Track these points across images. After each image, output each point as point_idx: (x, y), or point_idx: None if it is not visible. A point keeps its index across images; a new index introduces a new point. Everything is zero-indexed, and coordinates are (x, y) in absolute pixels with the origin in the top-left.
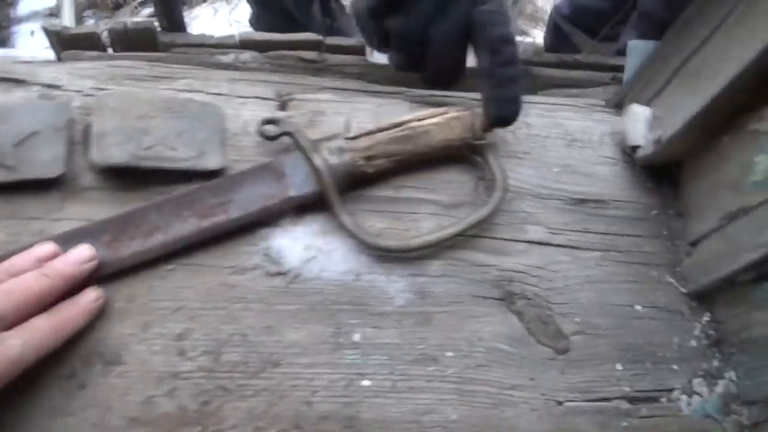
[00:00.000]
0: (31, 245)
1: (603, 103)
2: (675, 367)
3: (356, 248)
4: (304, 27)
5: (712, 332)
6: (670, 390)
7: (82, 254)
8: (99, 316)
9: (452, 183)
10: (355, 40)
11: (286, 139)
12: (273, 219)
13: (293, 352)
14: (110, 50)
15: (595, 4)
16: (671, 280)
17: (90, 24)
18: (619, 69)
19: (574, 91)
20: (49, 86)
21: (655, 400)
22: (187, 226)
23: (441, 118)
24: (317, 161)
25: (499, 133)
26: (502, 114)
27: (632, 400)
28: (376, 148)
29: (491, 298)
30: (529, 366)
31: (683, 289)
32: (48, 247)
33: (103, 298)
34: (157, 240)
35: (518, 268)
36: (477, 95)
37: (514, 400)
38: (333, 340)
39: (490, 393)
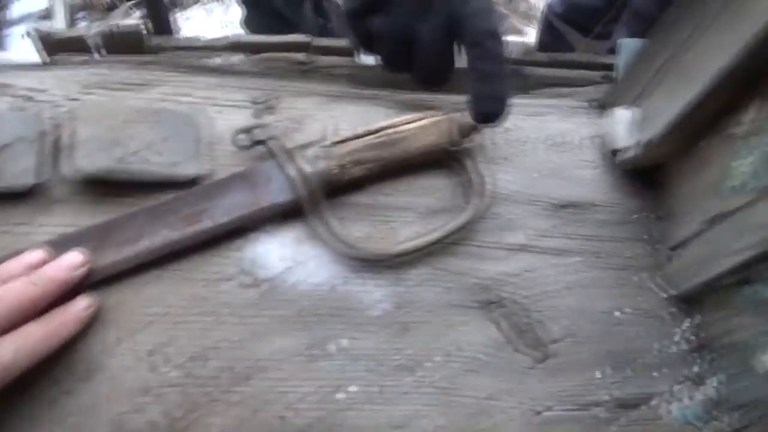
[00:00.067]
0: (21, 251)
1: (588, 104)
2: (656, 373)
3: (335, 257)
4: (296, 27)
5: (693, 338)
6: (651, 397)
7: (73, 260)
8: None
9: (432, 189)
10: (344, 40)
11: (270, 145)
12: (256, 225)
13: (278, 359)
14: (98, 54)
15: (588, 2)
16: (653, 285)
17: (77, 27)
18: (611, 67)
19: (565, 90)
20: (27, 93)
21: (636, 407)
22: (169, 233)
23: (421, 122)
24: (294, 169)
25: (482, 137)
26: (484, 111)
27: (613, 407)
28: (354, 155)
29: (471, 305)
30: (510, 374)
31: (665, 294)
32: (39, 254)
33: (95, 305)
34: (140, 247)
35: (498, 274)
36: (466, 97)
37: (494, 409)
38: (311, 351)
39: (470, 402)
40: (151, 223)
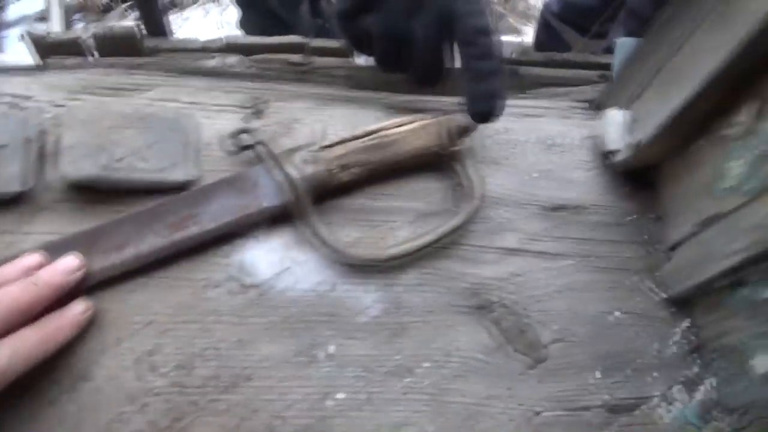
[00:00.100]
0: (18, 255)
1: (583, 105)
2: (654, 374)
3: (324, 262)
4: (293, 28)
5: (692, 338)
6: (650, 398)
7: (69, 264)
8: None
9: (428, 191)
10: (341, 41)
11: (259, 149)
12: (244, 231)
13: (266, 366)
14: (92, 56)
15: (584, 2)
16: (650, 286)
17: (71, 30)
18: (608, 67)
19: (561, 89)
20: (12, 101)
21: (634, 408)
22: (159, 238)
23: (415, 125)
24: (289, 171)
25: (476, 138)
26: (479, 110)
27: (611, 409)
28: (348, 158)
29: (467, 307)
30: (506, 376)
31: (662, 295)
32: (36, 257)
33: (92, 309)
34: (126, 254)
35: (494, 276)
36: (460, 98)
37: (490, 411)
38: (306, 353)
39: (467, 404)
40: (138, 229)
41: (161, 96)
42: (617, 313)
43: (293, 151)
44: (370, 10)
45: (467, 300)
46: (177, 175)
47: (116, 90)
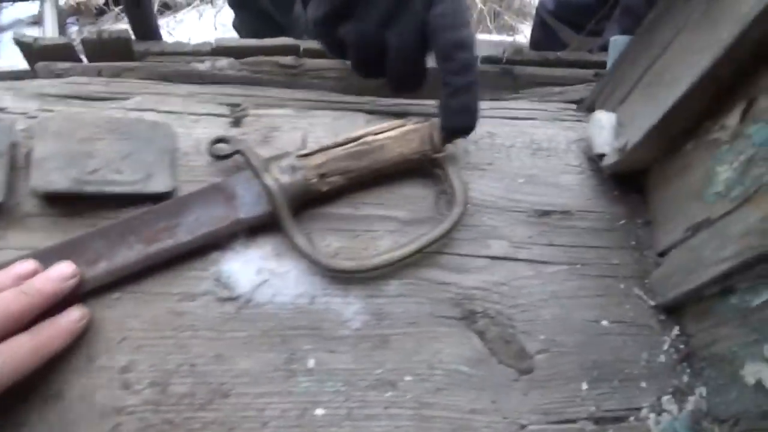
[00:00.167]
0: (11, 262)
1: (575, 106)
2: (643, 384)
3: (311, 270)
4: (286, 30)
5: (682, 347)
6: (639, 409)
7: (63, 271)
8: None
9: (412, 198)
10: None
11: (238, 158)
12: (223, 242)
13: (244, 382)
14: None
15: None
16: (639, 292)
17: (58, 36)
18: (603, 66)
19: (556, 89)
20: None
21: (623, 419)
22: (133, 252)
23: (397, 131)
24: (268, 181)
25: (462, 143)
26: (454, 125)
27: (598, 420)
28: (330, 165)
29: (451, 317)
30: (491, 388)
31: (652, 302)
32: (28, 265)
33: (88, 317)
34: (99, 269)
35: (480, 285)
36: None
37: (474, 425)
38: (286, 367)
39: (450, 418)
40: (111, 243)
41: (139, 105)
42: (605, 322)
43: (272, 159)
44: (349, 16)
45: (451, 310)
46: (153, 187)
47: (94, 100)
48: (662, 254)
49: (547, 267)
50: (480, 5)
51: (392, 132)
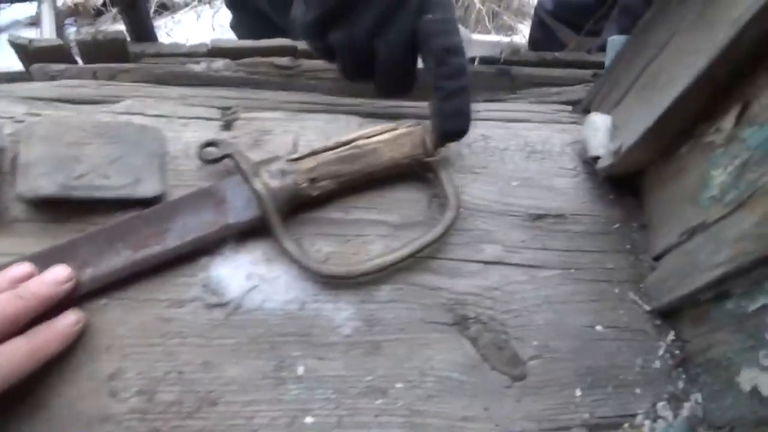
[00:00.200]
0: (6, 265)
1: (571, 107)
2: (638, 390)
3: (301, 275)
4: (284, 29)
5: (677, 352)
6: (633, 415)
7: (58, 275)
8: None
9: (404, 202)
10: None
11: (228, 162)
12: (213, 247)
13: (232, 389)
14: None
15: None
16: (634, 297)
17: (56, 38)
18: (601, 66)
19: (554, 89)
20: None
21: (617, 426)
22: (120, 258)
23: (389, 134)
24: (257, 185)
25: (455, 147)
26: (447, 129)
27: (592, 427)
28: (321, 169)
29: (444, 323)
30: (483, 395)
31: (647, 307)
32: (24, 268)
33: (83, 321)
34: (87, 274)
35: (472, 290)
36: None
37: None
38: (275, 375)
39: (442, 426)
40: (98, 249)
41: (129, 108)
42: (599, 327)
43: (262, 163)
44: (338, 22)
45: (443, 316)
46: (141, 191)
47: (83, 103)
48: (657, 258)
49: (541, 271)
50: (479, 5)
51: (384, 135)
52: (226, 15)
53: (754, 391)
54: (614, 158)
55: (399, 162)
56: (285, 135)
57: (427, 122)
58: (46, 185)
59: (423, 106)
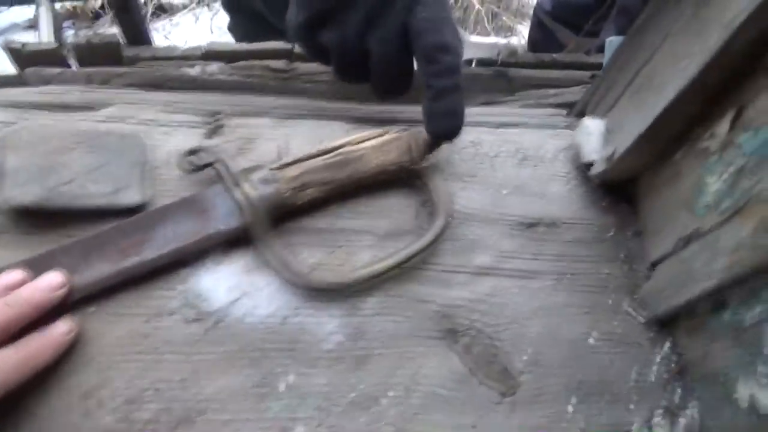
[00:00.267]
0: None
1: (564, 112)
2: (633, 403)
3: (285, 286)
4: (281, 31)
5: (674, 363)
6: (628, 429)
7: (52, 281)
8: None
9: (392, 210)
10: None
11: (214, 169)
12: (195, 257)
13: (220, 400)
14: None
15: (576, 0)
16: (629, 307)
17: (50, 42)
18: (599, 67)
19: (552, 91)
20: None
21: None
22: (104, 267)
23: (377, 140)
24: (241, 193)
25: (445, 153)
26: (439, 129)
27: None
28: (306, 177)
29: (434, 333)
30: (473, 410)
31: (642, 317)
32: (16, 275)
33: (76, 330)
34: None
35: (462, 300)
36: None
37: None
38: (259, 389)
39: None
40: (83, 257)
41: (117, 113)
42: (594, 337)
43: (251, 170)
44: (330, 22)
45: (434, 325)
46: (128, 198)
47: (70, 109)
48: (652, 266)
49: (533, 281)
50: (478, 6)
51: (371, 142)
52: (224, 17)
53: (752, 406)
54: (608, 164)
55: (387, 169)
56: (271, 141)
57: (416, 128)
58: (26, 194)
59: (415, 111)
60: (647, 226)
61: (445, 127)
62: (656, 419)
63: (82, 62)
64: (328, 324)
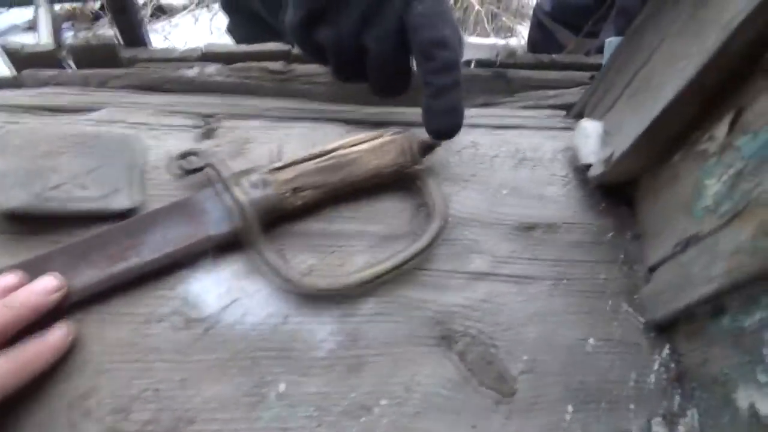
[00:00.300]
0: None
1: (563, 113)
2: (632, 406)
3: (277, 292)
4: (280, 32)
5: (673, 367)
6: None
7: (48, 283)
8: None
9: (389, 212)
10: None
11: (207, 173)
12: (190, 261)
13: (210, 408)
14: (68, 67)
15: (576, 1)
16: (628, 309)
17: (47, 43)
18: (598, 68)
19: (551, 92)
20: None
21: None
22: (93, 272)
23: (373, 142)
24: (235, 196)
25: (442, 154)
26: (439, 127)
27: None
28: (302, 180)
29: (430, 338)
30: (470, 413)
31: (641, 320)
32: (12, 278)
33: (73, 334)
34: None
35: (460, 303)
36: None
37: None
38: (254, 393)
39: None
40: (73, 262)
41: (108, 116)
42: (592, 341)
43: (244, 173)
44: (326, 20)
45: (430, 330)
46: (119, 203)
47: (63, 111)
48: (651, 269)
49: (531, 284)
50: (477, 6)
51: (367, 144)
52: (223, 19)
53: (752, 410)
54: (606, 166)
55: (383, 171)
56: (268, 143)
57: (412, 130)
58: (18, 197)
59: (412, 113)
60: (646, 229)
61: (444, 125)
62: (655, 426)
63: (80, 64)
64: (320, 330)
